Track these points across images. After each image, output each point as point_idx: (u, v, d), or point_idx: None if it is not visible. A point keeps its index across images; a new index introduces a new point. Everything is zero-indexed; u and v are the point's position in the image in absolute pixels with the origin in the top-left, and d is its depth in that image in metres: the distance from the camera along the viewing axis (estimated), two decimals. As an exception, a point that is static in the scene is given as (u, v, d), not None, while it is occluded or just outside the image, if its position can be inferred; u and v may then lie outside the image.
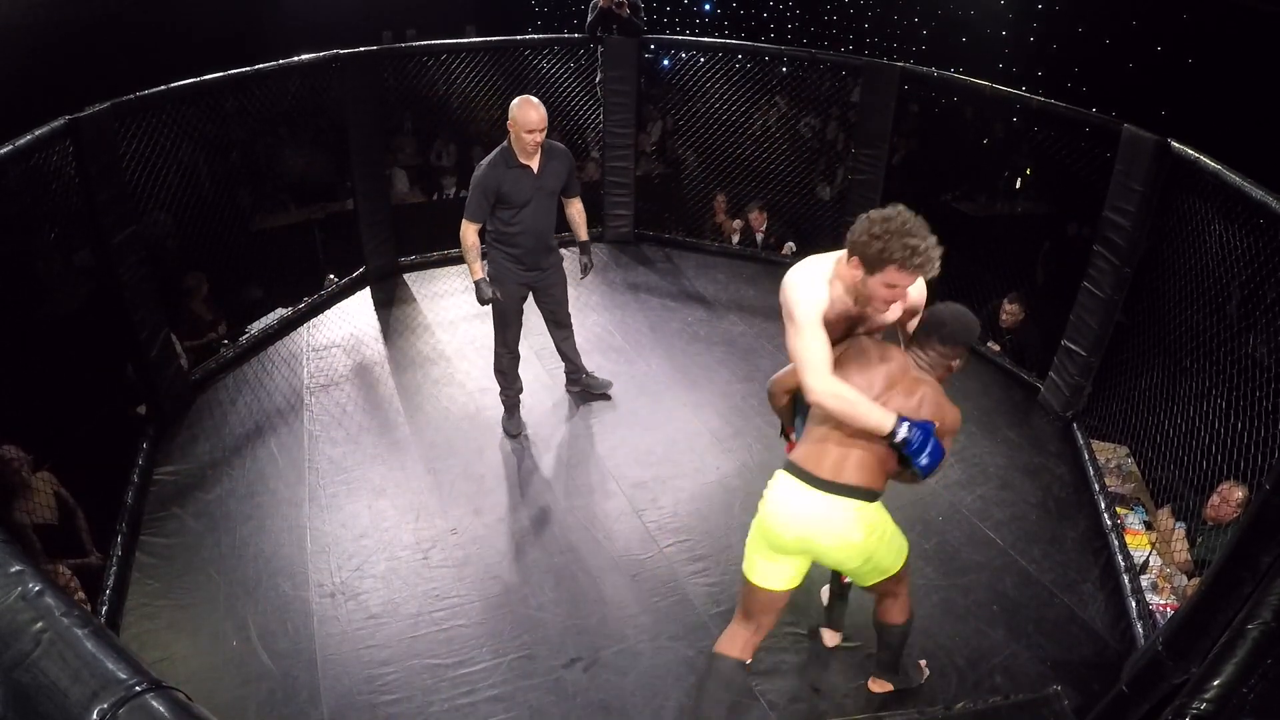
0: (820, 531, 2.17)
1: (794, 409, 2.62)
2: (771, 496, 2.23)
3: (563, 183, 3.67)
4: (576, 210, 3.85)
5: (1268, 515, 2.02)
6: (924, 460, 2.08)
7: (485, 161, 3.52)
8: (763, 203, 6.10)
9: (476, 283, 3.65)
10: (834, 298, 2.20)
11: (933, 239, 2.06)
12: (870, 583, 2.35)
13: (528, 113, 3.39)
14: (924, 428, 2.09)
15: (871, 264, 2.07)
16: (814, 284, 2.21)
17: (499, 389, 4.02)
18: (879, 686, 2.79)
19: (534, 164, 3.53)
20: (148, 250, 3.89)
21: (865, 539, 2.18)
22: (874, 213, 2.11)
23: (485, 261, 3.69)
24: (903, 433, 2.07)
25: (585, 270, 3.94)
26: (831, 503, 2.14)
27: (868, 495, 2.17)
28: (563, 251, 3.88)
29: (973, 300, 5.09)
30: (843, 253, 2.19)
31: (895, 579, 2.35)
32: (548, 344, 4.81)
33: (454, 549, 3.35)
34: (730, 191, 6.22)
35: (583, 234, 3.90)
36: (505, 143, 3.53)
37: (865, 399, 2.11)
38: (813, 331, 2.15)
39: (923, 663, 2.85)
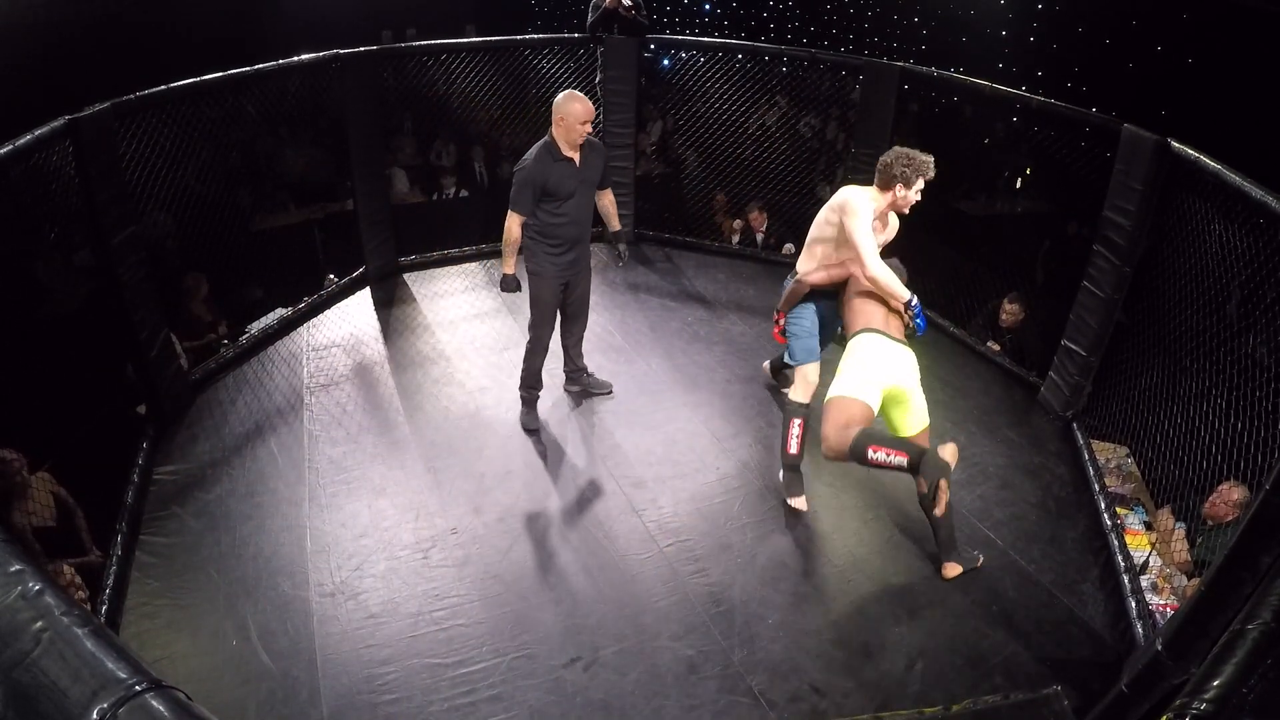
0: (906, 371, 3.16)
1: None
2: (877, 353, 3.15)
3: (600, 175, 3.78)
4: (609, 200, 3.97)
5: (1267, 515, 2.02)
6: (920, 321, 3.28)
7: (530, 157, 3.59)
8: (763, 203, 6.10)
9: (508, 276, 3.76)
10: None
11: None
12: (924, 424, 3.19)
13: (579, 106, 3.51)
14: (919, 303, 3.30)
15: (909, 181, 3.26)
16: (867, 203, 3.29)
17: (522, 385, 4.08)
18: (952, 570, 3.27)
19: (576, 157, 3.62)
20: (148, 250, 3.89)
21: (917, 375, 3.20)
22: (891, 154, 3.30)
23: (520, 258, 3.79)
24: (914, 301, 3.25)
25: (623, 258, 4.08)
26: (904, 350, 3.20)
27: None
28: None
29: (972, 299, 5.12)
30: (870, 189, 3.35)
31: (928, 428, 3.23)
32: (547, 344, 4.81)
33: (454, 548, 3.35)
34: (730, 191, 6.22)
35: (615, 223, 4.04)
36: (547, 137, 3.61)
37: (896, 278, 3.24)
38: (870, 232, 3.26)
39: (976, 552, 3.34)
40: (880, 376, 3.08)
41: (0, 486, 3.11)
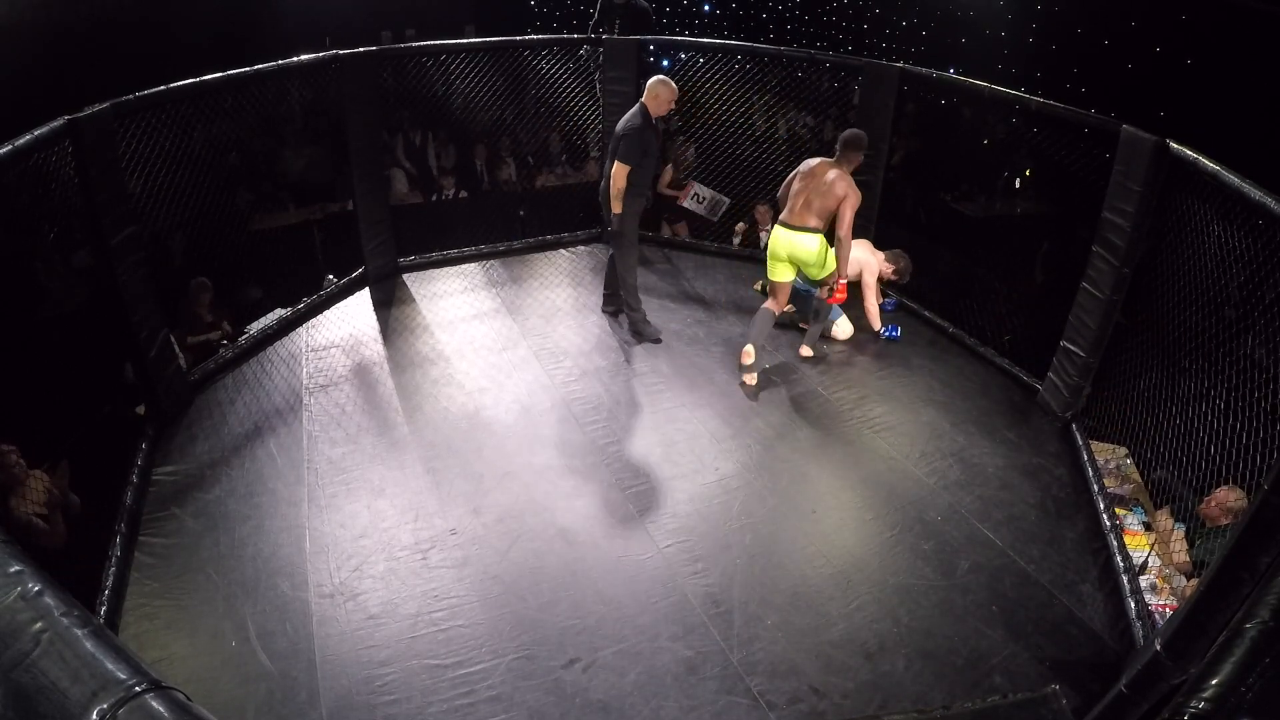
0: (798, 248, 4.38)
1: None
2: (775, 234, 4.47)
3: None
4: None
5: (1266, 516, 2.03)
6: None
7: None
8: (769, 203, 6.13)
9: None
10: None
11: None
12: (817, 279, 4.50)
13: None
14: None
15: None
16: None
17: (637, 311, 4.87)
18: (806, 351, 4.80)
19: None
20: (148, 250, 3.88)
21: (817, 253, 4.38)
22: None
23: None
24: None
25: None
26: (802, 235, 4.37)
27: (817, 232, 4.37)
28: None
29: (971, 300, 5.12)
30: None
31: (831, 276, 4.44)
32: (546, 345, 4.84)
33: (453, 549, 3.35)
34: (731, 193, 6.22)
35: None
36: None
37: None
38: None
39: (825, 349, 4.78)
40: (775, 255, 4.55)
41: (-2, 478, 3.11)
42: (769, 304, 4.56)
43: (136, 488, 3.57)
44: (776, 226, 4.44)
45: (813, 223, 4.31)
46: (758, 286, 5.64)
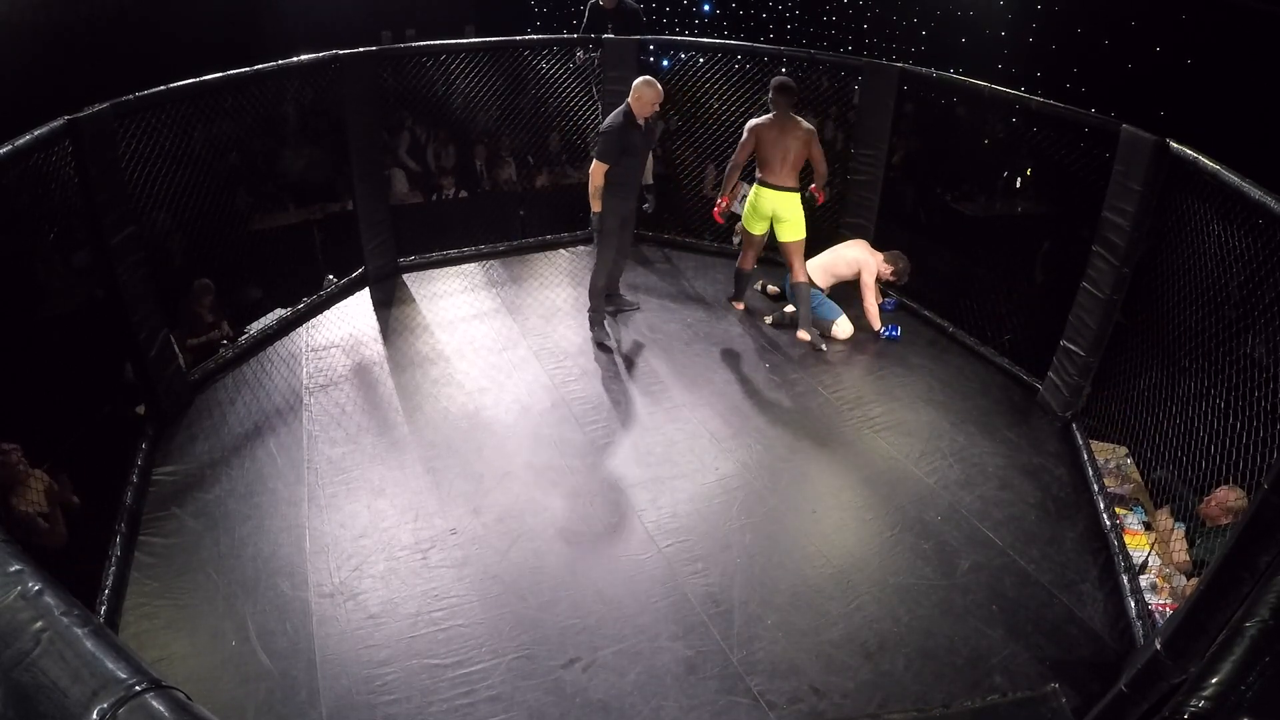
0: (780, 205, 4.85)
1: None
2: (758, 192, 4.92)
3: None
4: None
5: (1266, 515, 2.02)
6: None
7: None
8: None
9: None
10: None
11: None
12: (786, 239, 4.88)
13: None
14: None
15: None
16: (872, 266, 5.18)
17: (597, 312, 4.91)
18: (804, 335, 4.93)
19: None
20: (149, 250, 3.88)
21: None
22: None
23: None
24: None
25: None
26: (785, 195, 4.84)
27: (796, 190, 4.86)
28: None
29: (971, 300, 5.12)
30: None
31: (796, 245, 4.87)
32: (546, 345, 4.84)
33: (453, 549, 3.35)
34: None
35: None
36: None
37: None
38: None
39: (824, 346, 4.87)
40: (760, 213, 4.99)
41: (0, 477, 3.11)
42: (742, 261, 5.23)
43: (136, 488, 3.57)
44: (759, 187, 4.85)
45: (791, 182, 4.79)
46: (758, 286, 5.64)
